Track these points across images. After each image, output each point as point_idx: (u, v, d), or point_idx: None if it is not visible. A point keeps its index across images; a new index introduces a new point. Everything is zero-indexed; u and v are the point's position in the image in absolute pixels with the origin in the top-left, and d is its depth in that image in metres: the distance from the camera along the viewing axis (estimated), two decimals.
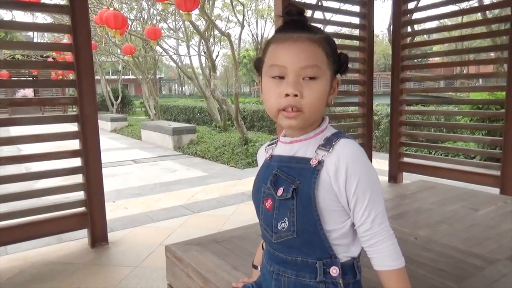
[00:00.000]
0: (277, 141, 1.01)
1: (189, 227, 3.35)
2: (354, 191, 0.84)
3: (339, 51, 0.90)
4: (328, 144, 0.88)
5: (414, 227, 1.85)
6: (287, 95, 0.85)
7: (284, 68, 0.85)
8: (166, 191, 4.76)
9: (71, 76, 2.96)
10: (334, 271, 0.89)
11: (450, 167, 4.18)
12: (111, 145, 9.67)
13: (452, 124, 5.37)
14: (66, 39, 10.03)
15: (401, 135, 4.53)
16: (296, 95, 0.84)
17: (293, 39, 0.85)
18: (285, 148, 0.96)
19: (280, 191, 0.90)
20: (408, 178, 4.50)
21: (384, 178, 4.72)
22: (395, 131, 4.52)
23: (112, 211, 3.86)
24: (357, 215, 0.86)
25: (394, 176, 4.56)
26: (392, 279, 0.86)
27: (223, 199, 4.28)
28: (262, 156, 1.05)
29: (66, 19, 2.80)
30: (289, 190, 0.88)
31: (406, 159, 4.58)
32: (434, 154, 5.58)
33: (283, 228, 0.90)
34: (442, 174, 4.13)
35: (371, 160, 4.66)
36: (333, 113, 6.70)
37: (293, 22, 0.87)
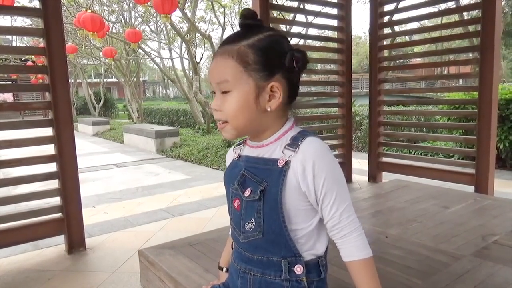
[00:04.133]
0: (245, 142, 1.02)
1: (169, 231, 3.33)
2: (322, 187, 0.86)
3: (289, 50, 0.88)
4: (294, 144, 0.89)
5: (386, 226, 1.89)
6: (214, 109, 0.92)
7: (211, 85, 0.92)
8: (148, 195, 4.72)
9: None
10: (298, 269, 0.90)
11: (428, 166, 4.27)
12: (93, 149, 9.55)
13: (428, 124, 5.47)
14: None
15: (380, 135, 4.61)
16: (216, 109, 0.91)
17: (214, 56, 0.91)
18: (252, 150, 0.97)
19: (247, 192, 0.91)
20: (388, 177, 4.56)
21: (364, 178, 4.79)
22: (374, 131, 4.59)
23: (92, 216, 3.82)
24: (325, 210, 0.88)
25: (373, 176, 4.63)
26: (359, 270, 0.88)
27: (205, 202, 4.27)
28: (230, 156, 1.06)
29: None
30: (256, 191, 0.89)
31: (385, 159, 4.66)
32: (414, 153, 5.68)
33: (250, 229, 0.92)
34: (420, 173, 4.22)
35: (351, 160, 4.72)
36: (315, 114, 6.77)
37: (243, 26, 0.89)
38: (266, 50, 0.87)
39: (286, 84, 0.89)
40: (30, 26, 10.99)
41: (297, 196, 0.88)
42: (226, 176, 1.02)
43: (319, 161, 0.86)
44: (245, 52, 0.86)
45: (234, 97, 0.87)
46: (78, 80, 21.05)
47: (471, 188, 3.67)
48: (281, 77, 0.88)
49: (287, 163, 0.87)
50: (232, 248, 1.08)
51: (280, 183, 0.87)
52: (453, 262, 1.46)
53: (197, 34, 11.20)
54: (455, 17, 8.18)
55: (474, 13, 12.16)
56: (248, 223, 0.92)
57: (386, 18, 4.52)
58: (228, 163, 1.06)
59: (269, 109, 0.89)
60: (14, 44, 15.47)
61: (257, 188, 0.89)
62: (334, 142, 4.74)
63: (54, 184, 2.91)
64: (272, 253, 0.91)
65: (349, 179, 4.68)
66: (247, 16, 0.89)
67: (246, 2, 13.20)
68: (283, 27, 7.68)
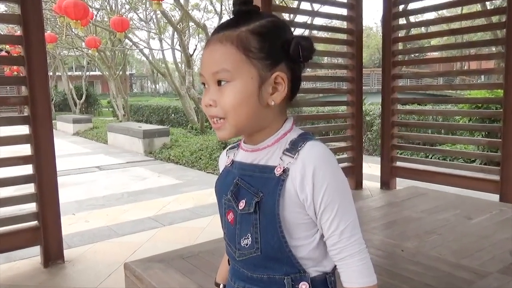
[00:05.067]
0: (239, 145, 1.00)
1: (158, 242, 3.32)
2: (321, 199, 0.83)
3: (296, 36, 0.86)
4: (293, 149, 0.86)
5: (402, 238, 1.88)
6: (206, 105, 0.86)
7: (203, 77, 0.87)
8: (134, 202, 4.72)
9: None
10: (304, 286, 0.88)
11: (447, 172, 4.25)
12: (73, 149, 9.55)
13: (447, 125, 5.46)
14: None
15: (393, 137, 4.60)
16: (211, 105, 0.85)
17: (208, 43, 0.86)
18: (247, 154, 0.94)
19: (241, 204, 0.88)
20: (402, 184, 4.55)
21: (376, 185, 4.78)
22: (387, 132, 4.58)
23: (71, 224, 3.81)
24: (325, 226, 0.85)
25: (386, 182, 4.62)
26: None
27: (198, 210, 4.26)
28: (223, 161, 1.03)
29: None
30: (251, 203, 0.87)
31: (399, 163, 4.65)
32: (432, 157, 5.66)
33: (247, 245, 0.89)
34: (439, 179, 4.21)
35: (361, 164, 4.71)
36: (321, 113, 6.77)
37: (240, 12, 0.87)
38: (269, 36, 0.85)
39: (289, 76, 0.87)
40: (5, 13, 10.97)
41: (297, 209, 0.86)
42: (218, 185, 0.99)
43: (319, 170, 0.83)
44: (247, 38, 0.83)
45: (233, 88, 0.83)
46: (57, 73, 21.04)
47: (495, 197, 3.66)
48: (285, 68, 0.86)
49: (285, 171, 0.85)
50: (229, 264, 1.06)
51: (277, 194, 0.84)
52: (478, 280, 1.45)
53: (191, 23, 11.22)
54: (476, 7, 8.20)
55: (498, 2, 12.24)
56: (244, 239, 0.89)
57: (400, 7, 4.52)
58: (221, 169, 1.03)
59: (272, 103, 0.86)
60: None
61: (252, 200, 0.87)
62: (342, 144, 4.73)
63: (29, 188, 2.89)
64: (274, 270, 0.89)
65: (359, 185, 4.68)
66: (244, 2, 0.86)
67: None
68: (286, 16, 7.70)
